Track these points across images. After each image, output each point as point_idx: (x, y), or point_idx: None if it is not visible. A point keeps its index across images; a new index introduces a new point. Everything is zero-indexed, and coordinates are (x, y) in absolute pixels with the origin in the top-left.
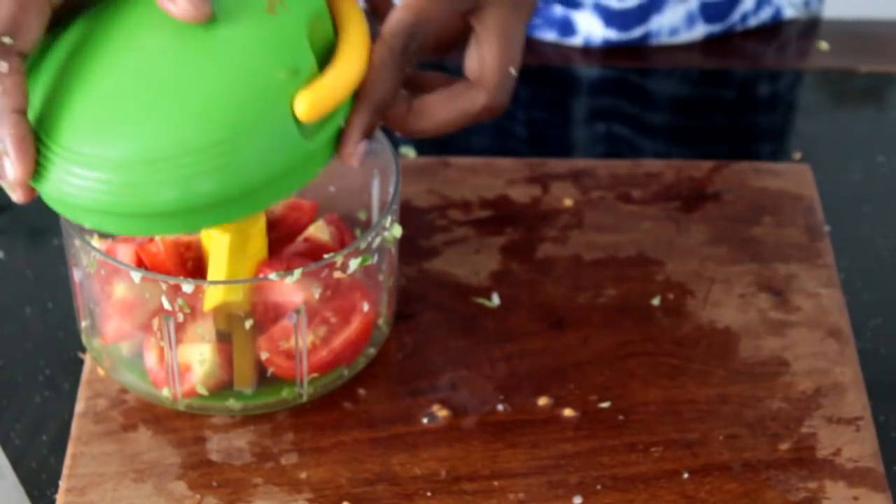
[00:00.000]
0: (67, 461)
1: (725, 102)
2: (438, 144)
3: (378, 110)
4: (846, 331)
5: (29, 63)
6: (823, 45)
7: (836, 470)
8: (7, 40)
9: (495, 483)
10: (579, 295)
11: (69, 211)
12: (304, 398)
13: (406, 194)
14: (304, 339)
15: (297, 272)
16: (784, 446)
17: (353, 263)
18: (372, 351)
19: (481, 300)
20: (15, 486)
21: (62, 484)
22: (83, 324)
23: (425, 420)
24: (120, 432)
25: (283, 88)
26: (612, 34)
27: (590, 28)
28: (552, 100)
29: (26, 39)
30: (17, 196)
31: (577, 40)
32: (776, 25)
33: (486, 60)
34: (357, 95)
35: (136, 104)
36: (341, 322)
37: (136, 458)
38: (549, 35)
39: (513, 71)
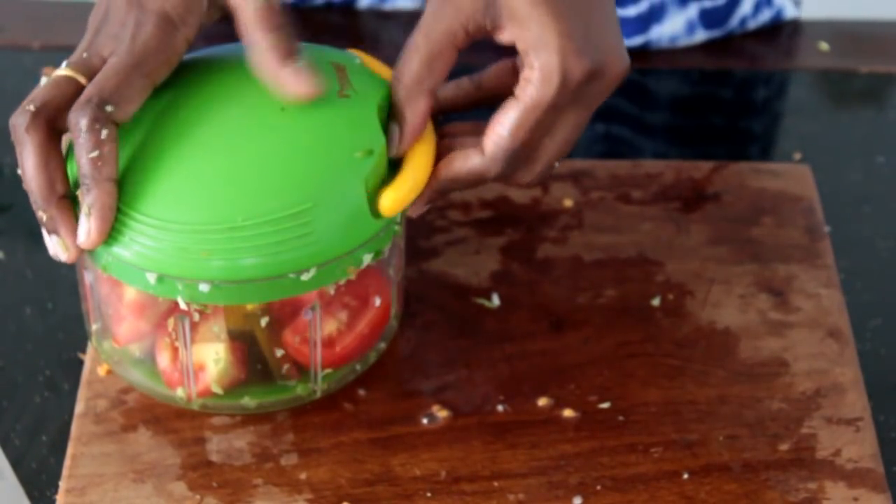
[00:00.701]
0: (67, 462)
1: (725, 103)
2: None
3: (446, 192)
4: (846, 331)
5: None
6: (823, 46)
7: (835, 470)
8: (109, 108)
9: (495, 483)
10: (579, 295)
11: (129, 272)
12: (318, 394)
13: None
14: (320, 335)
15: (314, 269)
16: (784, 447)
17: (367, 258)
18: (382, 346)
19: (481, 301)
20: (15, 486)
21: (62, 484)
22: (94, 327)
23: (425, 421)
24: (120, 433)
25: (359, 167)
26: None
27: None
28: None
29: (126, 111)
30: (68, 256)
31: None
32: (776, 26)
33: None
34: (433, 174)
35: (219, 177)
36: (354, 317)
37: (135, 459)
38: None
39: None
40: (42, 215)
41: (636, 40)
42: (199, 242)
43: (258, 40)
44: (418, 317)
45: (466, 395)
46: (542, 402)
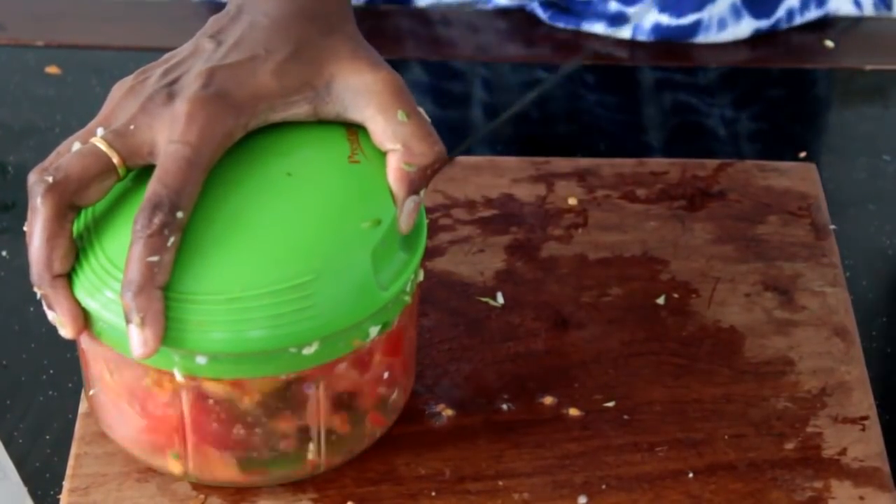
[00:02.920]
0: (71, 461)
1: (730, 101)
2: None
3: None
4: (852, 330)
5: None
6: (828, 43)
7: (841, 469)
8: (180, 215)
9: (500, 483)
10: (584, 294)
11: (124, 341)
12: (323, 468)
13: None
14: (324, 410)
15: (316, 342)
16: (789, 446)
17: (373, 331)
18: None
19: (486, 299)
20: (18, 486)
21: (66, 484)
22: (91, 392)
23: (430, 420)
24: None
25: (366, 238)
26: (664, 18)
27: (642, 15)
28: (559, 98)
29: (189, 215)
30: (66, 333)
31: (625, 31)
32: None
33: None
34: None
35: (217, 245)
36: (361, 391)
37: (139, 458)
38: (598, 26)
39: None
40: (37, 290)
41: (690, 17)
42: (196, 313)
43: (402, 198)
44: (422, 316)
45: (471, 394)
46: (547, 400)
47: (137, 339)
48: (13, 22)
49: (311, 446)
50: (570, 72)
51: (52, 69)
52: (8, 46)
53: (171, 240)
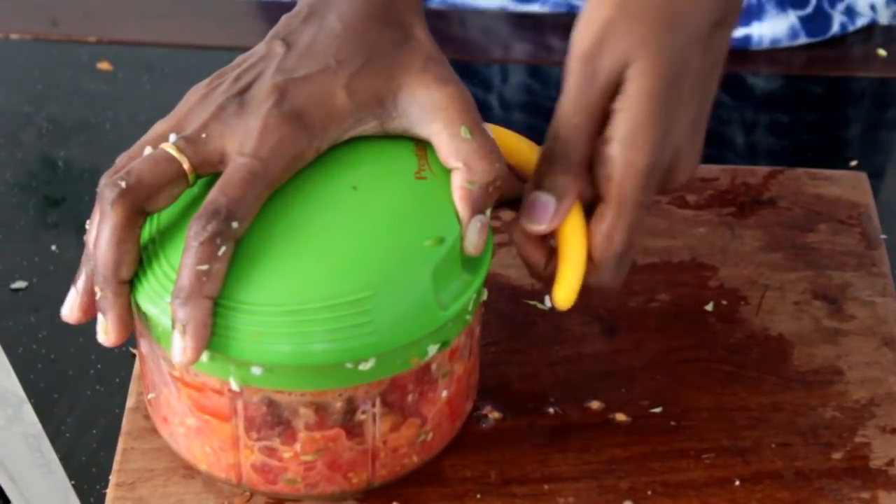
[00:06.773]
0: (117, 456)
1: (782, 108)
2: None
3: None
4: None
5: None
6: (881, 52)
7: (889, 480)
8: (235, 225)
9: (545, 486)
10: (632, 299)
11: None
12: (376, 484)
13: None
14: (379, 426)
15: (373, 359)
16: (837, 455)
17: (432, 349)
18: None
19: (534, 303)
20: (62, 480)
21: (112, 479)
22: (149, 396)
23: (476, 422)
24: None
25: (428, 256)
26: None
27: None
28: None
29: (246, 227)
30: (107, 340)
31: None
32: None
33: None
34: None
35: (277, 257)
36: (418, 411)
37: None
38: None
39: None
40: (98, 291)
41: (737, 31)
42: (252, 323)
43: (467, 217)
44: None
45: (518, 397)
46: (594, 405)
47: (178, 347)
48: (66, 18)
49: (366, 461)
50: None
51: (103, 65)
52: (60, 42)
53: (223, 249)
